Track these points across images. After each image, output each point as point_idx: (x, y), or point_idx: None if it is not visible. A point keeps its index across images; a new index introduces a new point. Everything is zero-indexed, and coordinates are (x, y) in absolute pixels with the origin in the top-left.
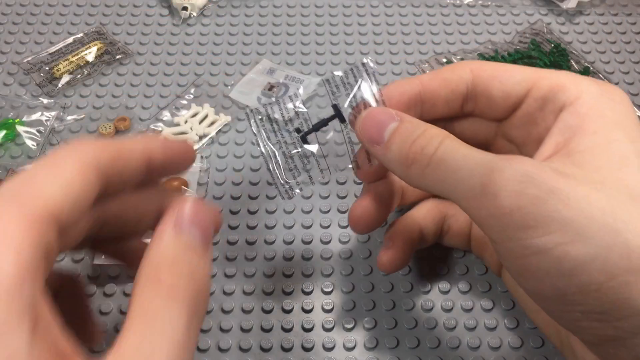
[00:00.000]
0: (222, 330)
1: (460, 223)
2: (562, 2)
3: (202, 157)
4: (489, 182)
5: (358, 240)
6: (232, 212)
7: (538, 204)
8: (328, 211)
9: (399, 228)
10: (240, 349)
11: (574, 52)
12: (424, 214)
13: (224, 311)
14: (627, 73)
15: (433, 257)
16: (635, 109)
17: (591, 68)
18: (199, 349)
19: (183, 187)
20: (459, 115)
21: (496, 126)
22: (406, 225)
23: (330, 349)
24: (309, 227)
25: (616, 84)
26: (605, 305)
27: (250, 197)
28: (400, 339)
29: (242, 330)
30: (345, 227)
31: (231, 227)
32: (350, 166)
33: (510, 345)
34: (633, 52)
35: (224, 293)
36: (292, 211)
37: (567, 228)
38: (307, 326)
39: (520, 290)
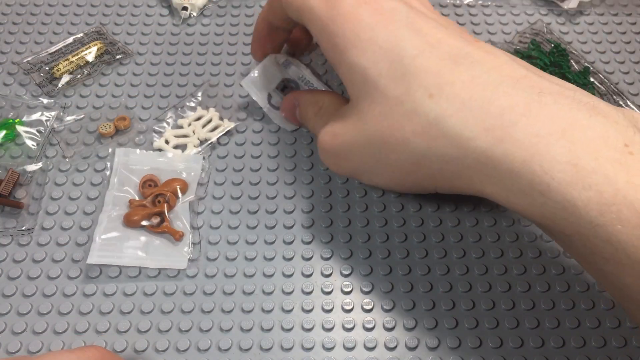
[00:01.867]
0: (222, 330)
1: None
2: (563, 2)
3: (202, 157)
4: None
5: (358, 241)
6: (232, 212)
7: (336, 164)
8: (328, 211)
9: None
10: (240, 348)
11: (574, 52)
12: None
13: (223, 311)
14: (627, 73)
15: (433, 256)
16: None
17: (591, 68)
18: (198, 349)
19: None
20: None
21: None
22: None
23: (330, 349)
24: (309, 227)
25: (616, 84)
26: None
27: (250, 197)
28: (400, 340)
29: (242, 330)
30: (346, 227)
31: (231, 227)
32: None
33: (511, 345)
34: (633, 52)
35: (224, 293)
36: (292, 211)
37: (361, 169)
38: (307, 326)
39: None
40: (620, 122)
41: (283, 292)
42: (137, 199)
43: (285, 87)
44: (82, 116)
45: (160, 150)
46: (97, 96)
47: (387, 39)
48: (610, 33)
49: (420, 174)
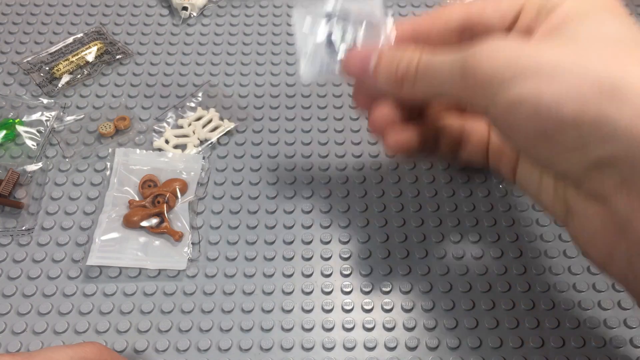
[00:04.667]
0: (222, 330)
1: (478, 135)
2: None
3: (202, 157)
4: (466, 64)
5: (358, 241)
6: (232, 212)
7: (511, 60)
8: (328, 211)
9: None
10: (240, 348)
11: None
12: (444, 124)
13: (223, 311)
14: None
15: (433, 257)
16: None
17: None
18: (198, 349)
19: (179, 190)
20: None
21: None
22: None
23: (330, 349)
24: (309, 227)
25: None
26: (583, 133)
27: (250, 197)
28: (400, 340)
29: (242, 330)
30: (345, 227)
31: (231, 227)
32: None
33: (511, 345)
34: None
35: (224, 293)
36: (292, 211)
37: (540, 75)
38: (307, 326)
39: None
40: None
41: (283, 292)
42: (136, 199)
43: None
44: (82, 116)
45: (160, 150)
46: (97, 96)
47: None
48: None
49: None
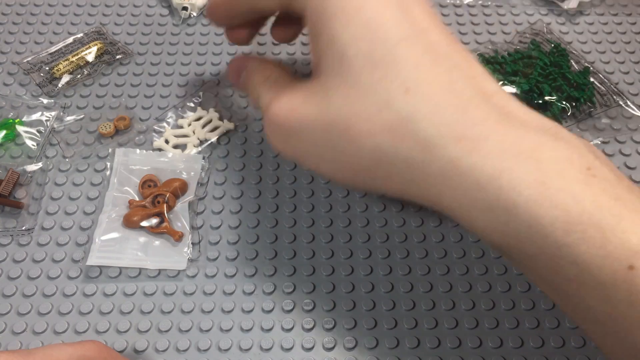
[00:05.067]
0: (222, 330)
1: None
2: (563, 2)
3: (202, 157)
4: (265, 115)
5: (359, 240)
6: (232, 212)
7: (285, 143)
8: (329, 211)
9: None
10: (240, 348)
11: (574, 52)
12: None
13: (224, 311)
14: (627, 73)
15: (433, 256)
16: None
17: (591, 68)
18: (198, 349)
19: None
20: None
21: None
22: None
23: (330, 349)
24: (310, 227)
25: (616, 84)
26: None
27: (250, 197)
28: (400, 340)
29: (242, 330)
30: (346, 227)
31: (231, 227)
32: None
33: (511, 345)
34: (633, 52)
35: (224, 293)
36: (293, 211)
37: (308, 154)
38: (307, 326)
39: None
40: (581, 147)
41: (283, 292)
42: (136, 199)
43: None
44: (82, 116)
45: (160, 150)
46: (97, 96)
47: (374, 15)
48: (610, 33)
49: (376, 172)
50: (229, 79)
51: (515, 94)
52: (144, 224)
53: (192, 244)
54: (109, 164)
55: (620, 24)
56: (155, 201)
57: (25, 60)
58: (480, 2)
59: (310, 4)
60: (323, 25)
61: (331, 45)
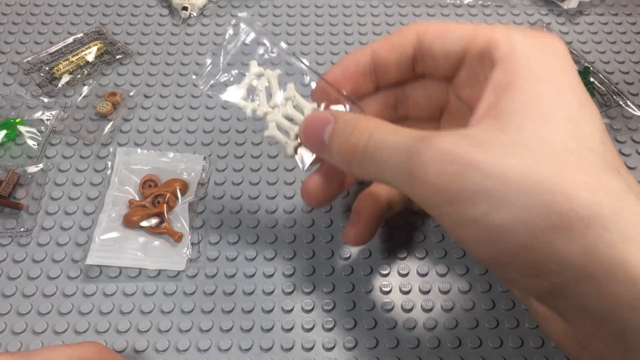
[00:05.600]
0: (222, 330)
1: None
2: (563, 2)
3: (203, 157)
4: (413, 167)
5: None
6: (232, 212)
7: (458, 180)
8: (329, 211)
9: (364, 201)
10: (240, 348)
11: (574, 52)
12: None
13: (224, 311)
14: (627, 73)
15: (433, 256)
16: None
17: (591, 68)
18: (198, 349)
19: (180, 190)
20: (412, 77)
21: (447, 87)
22: (371, 197)
23: (331, 349)
24: (309, 227)
25: (616, 84)
26: (534, 263)
27: (250, 197)
28: (400, 340)
29: (242, 330)
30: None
31: (231, 227)
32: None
33: (511, 345)
34: (633, 52)
35: (224, 293)
36: (293, 211)
37: (488, 198)
38: (307, 326)
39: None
40: None
41: (283, 292)
42: (137, 199)
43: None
44: (82, 116)
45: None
46: (97, 96)
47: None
48: (610, 33)
49: (526, 256)
50: (307, 146)
51: None
52: (144, 224)
53: (192, 244)
54: (109, 163)
55: (620, 24)
56: (156, 201)
57: (25, 60)
58: (480, 2)
59: (514, 57)
60: (524, 81)
61: (534, 103)
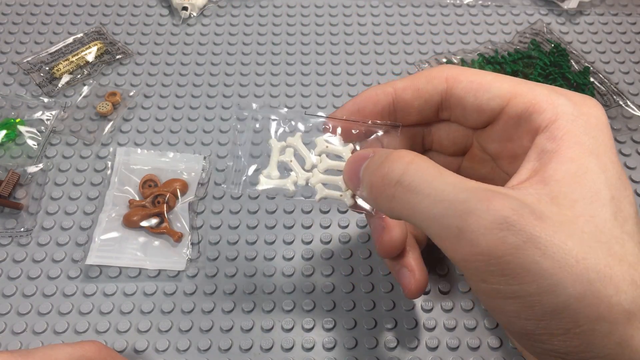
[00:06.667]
0: (222, 330)
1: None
2: (563, 2)
3: (203, 157)
4: (464, 227)
5: (358, 241)
6: (232, 212)
7: (517, 254)
8: (328, 211)
9: (411, 251)
10: (240, 348)
11: (574, 52)
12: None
13: (224, 311)
14: (627, 73)
15: (433, 256)
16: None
17: (591, 68)
18: (198, 349)
19: (180, 190)
20: (434, 121)
21: (473, 132)
22: (410, 239)
23: (331, 349)
24: (309, 227)
25: (616, 84)
26: (569, 347)
27: (250, 197)
28: (400, 340)
29: (242, 330)
30: (345, 228)
31: (231, 227)
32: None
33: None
34: (633, 52)
35: (224, 293)
36: (292, 211)
37: (542, 279)
38: (307, 326)
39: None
40: None
41: (283, 292)
42: (137, 198)
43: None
44: (82, 116)
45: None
46: (97, 96)
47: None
48: (610, 33)
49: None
50: (350, 188)
51: None
52: (144, 224)
53: (192, 244)
54: (109, 163)
55: (620, 24)
56: (156, 201)
57: (25, 60)
58: (480, 2)
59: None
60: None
61: (582, 176)
